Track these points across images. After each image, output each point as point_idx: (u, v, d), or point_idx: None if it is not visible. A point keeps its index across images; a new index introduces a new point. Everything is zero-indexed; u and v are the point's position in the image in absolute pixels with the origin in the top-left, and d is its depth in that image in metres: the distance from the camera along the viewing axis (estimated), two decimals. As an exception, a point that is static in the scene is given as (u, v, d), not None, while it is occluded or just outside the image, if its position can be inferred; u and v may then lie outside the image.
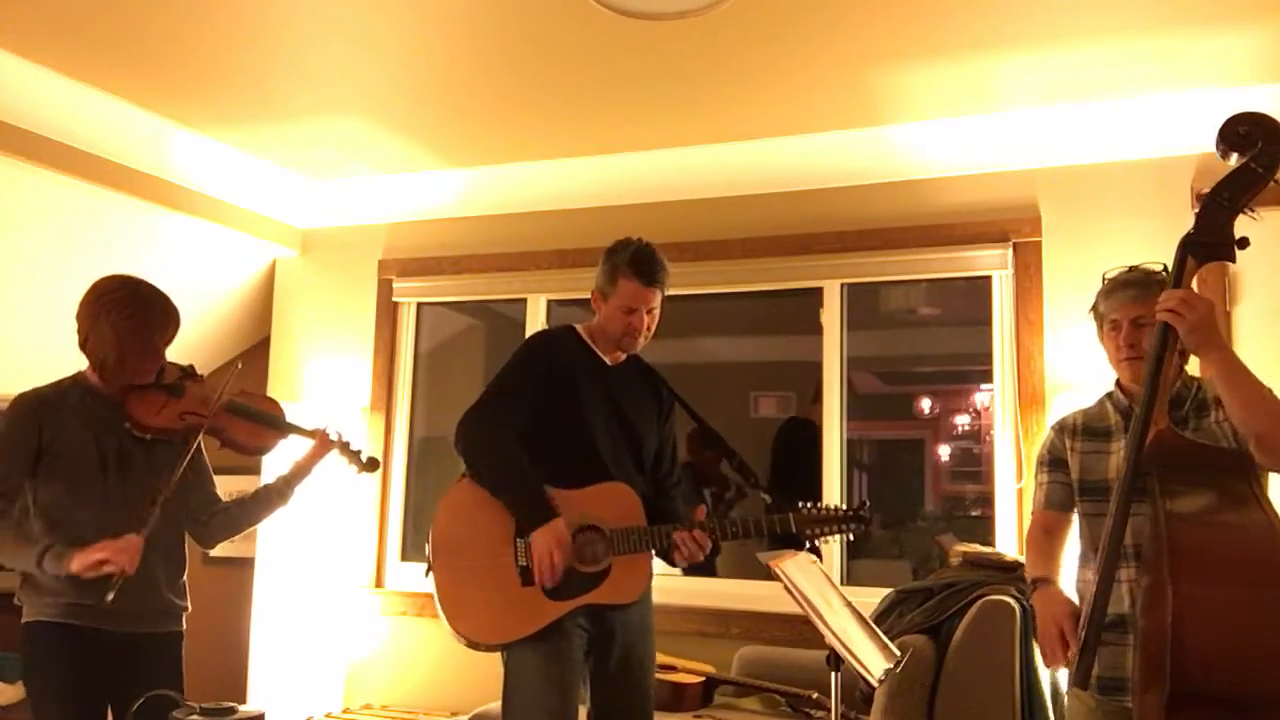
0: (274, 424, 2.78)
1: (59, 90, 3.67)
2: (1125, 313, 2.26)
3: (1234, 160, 2.02)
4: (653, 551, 2.61)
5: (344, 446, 2.84)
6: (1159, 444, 1.98)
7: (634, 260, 2.66)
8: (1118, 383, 2.35)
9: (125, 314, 2.48)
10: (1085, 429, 2.35)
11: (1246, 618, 1.73)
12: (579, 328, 2.80)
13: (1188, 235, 2.02)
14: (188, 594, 2.67)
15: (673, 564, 2.62)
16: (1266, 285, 3.43)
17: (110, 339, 2.47)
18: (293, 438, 2.81)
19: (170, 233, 4.37)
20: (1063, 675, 2.55)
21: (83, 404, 2.51)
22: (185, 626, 2.67)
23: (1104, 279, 2.36)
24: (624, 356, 2.78)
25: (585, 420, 2.64)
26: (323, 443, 2.80)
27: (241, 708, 2.03)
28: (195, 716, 1.99)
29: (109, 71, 3.64)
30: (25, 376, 2.58)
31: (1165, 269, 2.27)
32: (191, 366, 2.73)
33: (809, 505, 2.63)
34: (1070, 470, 2.34)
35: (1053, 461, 2.38)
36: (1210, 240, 2.00)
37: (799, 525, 2.60)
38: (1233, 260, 2.02)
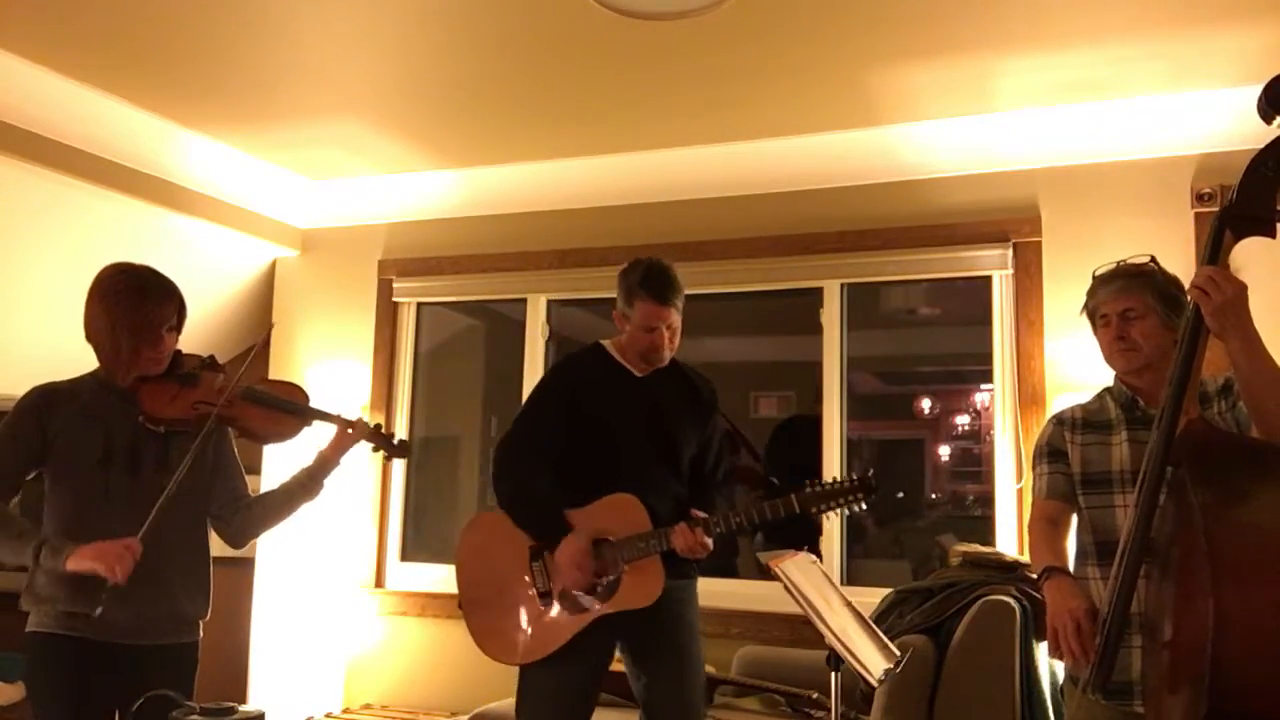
0: (293, 410, 2.59)
1: (60, 91, 3.67)
2: (1113, 306, 2.24)
3: (1278, 124, 1.89)
4: (659, 553, 2.63)
5: (372, 432, 2.68)
6: (1190, 435, 1.84)
7: (645, 282, 2.72)
8: (1116, 377, 2.32)
9: (118, 299, 2.40)
10: (1085, 422, 2.32)
11: None
12: (607, 344, 2.88)
13: (1226, 207, 1.89)
14: (209, 597, 2.53)
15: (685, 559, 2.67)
16: (1267, 284, 3.42)
17: (105, 325, 2.40)
18: (318, 425, 2.62)
19: (171, 233, 4.36)
20: (1059, 669, 2.51)
21: (96, 399, 2.42)
22: (201, 635, 2.53)
23: (1093, 277, 2.34)
24: (658, 366, 2.83)
25: (612, 435, 2.74)
26: (342, 431, 2.61)
27: (241, 708, 2.01)
28: (195, 716, 1.98)
29: (110, 72, 3.64)
30: (26, 377, 2.56)
31: (1153, 260, 2.26)
32: (212, 357, 2.60)
33: (810, 483, 2.64)
34: (1070, 463, 2.29)
35: (1052, 452, 2.33)
36: (1251, 213, 1.86)
37: (803, 505, 2.61)
38: (1273, 235, 1.87)
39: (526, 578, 2.72)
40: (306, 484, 2.59)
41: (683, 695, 2.71)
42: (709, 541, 2.61)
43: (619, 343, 2.84)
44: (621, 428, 2.74)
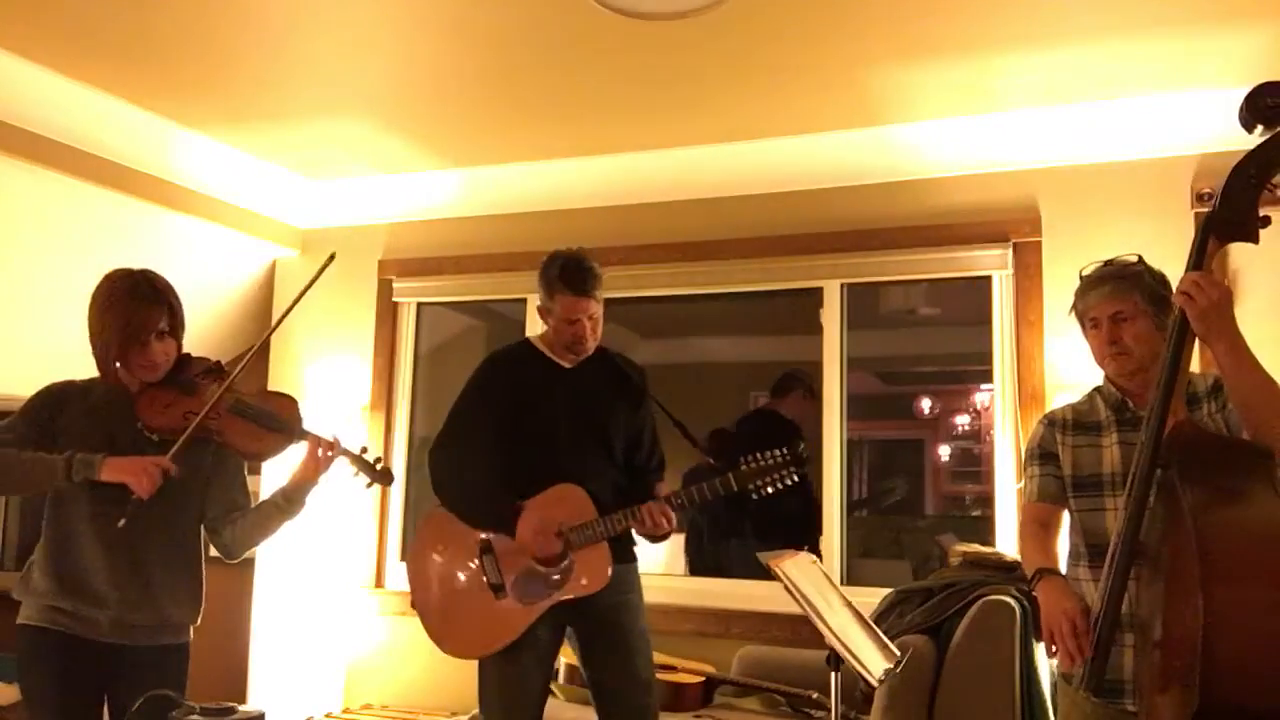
0: (278, 426, 2.52)
1: (60, 91, 3.67)
2: (1103, 310, 2.23)
3: (1259, 133, 1.91)
4: (607, 540, 2.71)
5: (355, 457, 2.62)
6: (1178, 436, 1.86)
7: (564, 275, 2.76)
8: (1106, 377, 2.32)
9: (109, 301, 2.41)
10: (1075, 423, 2.32)
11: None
12: (533, 339, 2.93)
13: (1210, 213, 1.92)
14: (199, 605, 2.53)
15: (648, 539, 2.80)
16: (1267, 285, 3.43)
17: (97, 327, 2.43)
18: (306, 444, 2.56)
19: (171, 233, 4.36)
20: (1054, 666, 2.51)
21: (105, 401, 2.45)
22: (191, 638, 2.54)
23: (1080, 277, 2.32)
24: (584, 356, 2.87)
25: (544, 427, 2.78)
26: (311, 455, 2.52)
27: (241, 708, 2.02)
28: (195, 716, 1.99)
29: (110, 72, 3.64)
30: (25, 377, 2.57)
31: (1140, 260, 2.25)
32: (219, 363, 2.54)
33: (744, 460, 2.72)
34: (1061, 464, 2.30)
35: (1043, 454, 2.33)
36: (1234, 218, 1.89)
37: (740, 482, 2.71)
38: (1255, 241, 1.90)
39: (477, 572, 2.75)
40: (283, 505, 2.54)
41: (636, 674, 2.76)
42: (674, 517, 2.71)
43: (545, 337, 2.89)
44: (553, 420, 2.78)
